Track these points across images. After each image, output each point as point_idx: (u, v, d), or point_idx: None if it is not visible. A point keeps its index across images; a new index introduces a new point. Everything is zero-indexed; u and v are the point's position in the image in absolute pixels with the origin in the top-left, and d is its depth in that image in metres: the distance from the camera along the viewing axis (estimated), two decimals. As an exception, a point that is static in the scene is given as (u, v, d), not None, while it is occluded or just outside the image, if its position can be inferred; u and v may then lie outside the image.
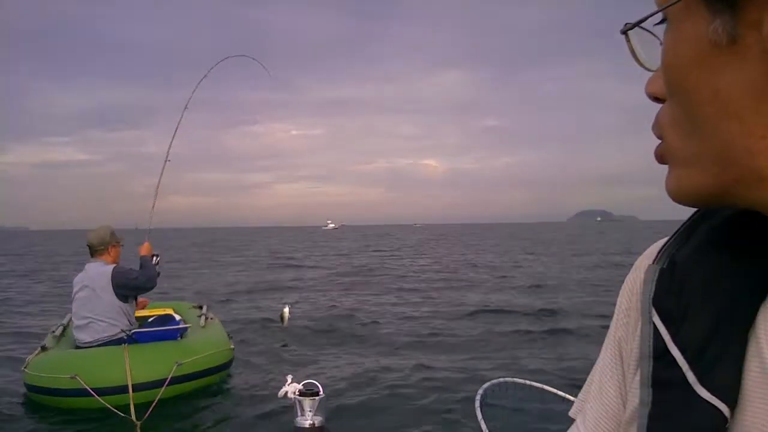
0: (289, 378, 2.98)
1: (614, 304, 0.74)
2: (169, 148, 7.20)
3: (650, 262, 0.70)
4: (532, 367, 6.94)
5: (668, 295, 0.64)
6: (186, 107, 7.30)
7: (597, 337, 7.93)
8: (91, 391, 5.21)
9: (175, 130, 7.27)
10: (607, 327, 0.73)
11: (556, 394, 3.55)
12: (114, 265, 5.97)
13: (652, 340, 0.64)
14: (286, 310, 6.54)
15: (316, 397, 2.93)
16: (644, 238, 36.65)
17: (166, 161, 7.14)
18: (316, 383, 2.95)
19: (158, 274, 6.24)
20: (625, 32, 0.60)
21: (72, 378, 5.28)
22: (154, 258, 6.26)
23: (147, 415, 5.03)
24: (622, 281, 0.73)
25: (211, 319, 7.25)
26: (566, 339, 8.70)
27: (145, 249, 6.26)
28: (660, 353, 0.62)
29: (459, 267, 23.13)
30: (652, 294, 0.66)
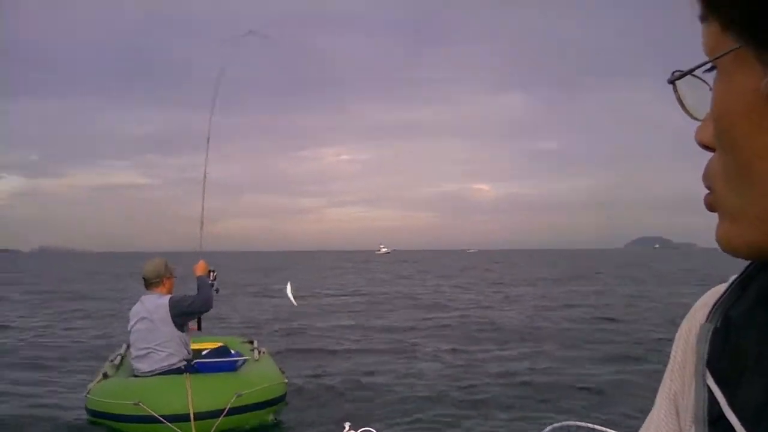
0: (347, 425, 2.98)
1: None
2: (205, 167, 7.31)
3: (705, 313, 0.68)
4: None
5: (722, 356, 0.61)
6: (212, 111, 7.40)
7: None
8: (159, 417, 5.36)
9: (208, 141, 7.32)
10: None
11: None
12: (169, 296, 6.10)
13: (707, 404, 0.62)
14: (289, 288, 6.56)
15: (374, 446, 2.92)
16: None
17: (204, 178, 7.30)
18: (373, 431, 2.94)
19: (217, 291, 6.35)
20: (672, 82, 0.58)
21: (136, 404, 5.44)
22: (211, 274, 6.34)
23: (215, 425, 5.23)
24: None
25: (263, 352, 7.34)
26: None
27: (200, 268, 6.32)
28: (716, 418, 0.60)
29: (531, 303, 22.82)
30: (705, 355, 0.63)
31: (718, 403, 0.59)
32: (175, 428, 5.38)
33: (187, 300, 6.07)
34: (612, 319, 15.00)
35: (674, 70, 0.63)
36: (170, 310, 5.92)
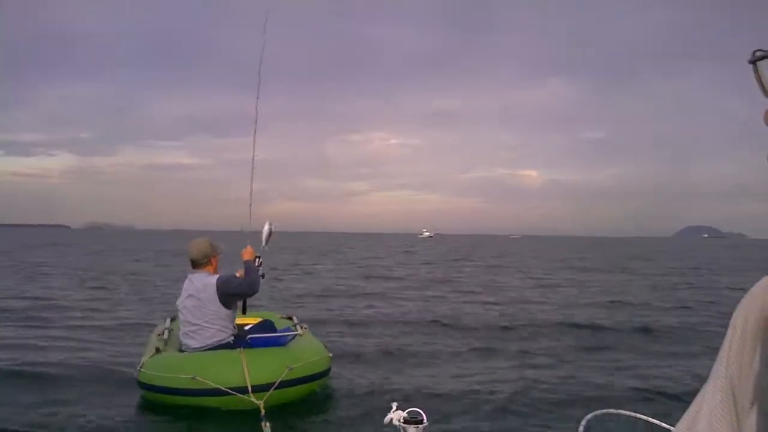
0: (394, 405, 3.01)
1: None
2: (253, 153, 7.39)
3: (759, 302, 0.70)
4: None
5: None
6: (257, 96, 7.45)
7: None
8: (220, 388, 5.57)
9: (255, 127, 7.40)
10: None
11: (665, 428, 3.42)
12: (217, 276, 6.24)
13: None
14: (266, 227, 6.62)
15: (421, 425, 2.95)
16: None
17: (252, 166, 7.41)
18: (420, 411, 2.97)
19: (263, 276, 6.46)
20: (754, 62, 0.57)
21: (192, 378, 5.63)
22: (257, 260, 6.45)
23: (264, 399, 5.41)
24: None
25: (305, 328, 7.49)
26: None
27: (248, 253, 6.45)
28: None
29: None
30: None
31: None
32: (227, 401, 5.59)
33: (234, 281, 6.20)
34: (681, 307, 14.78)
35: (756, 49, 0.62)
36: (217, 290, 6.07)
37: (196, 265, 6.34)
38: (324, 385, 6.64)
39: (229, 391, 5.57)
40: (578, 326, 11.58)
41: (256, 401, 5.38)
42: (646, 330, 11.27)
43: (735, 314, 0.75)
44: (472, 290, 19.11)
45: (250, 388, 5.53)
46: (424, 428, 2.92)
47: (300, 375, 5.97)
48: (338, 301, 15.71)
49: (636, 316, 13.01)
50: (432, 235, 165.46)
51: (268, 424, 4.66)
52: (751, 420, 0.64)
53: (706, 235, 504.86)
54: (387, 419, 2.95)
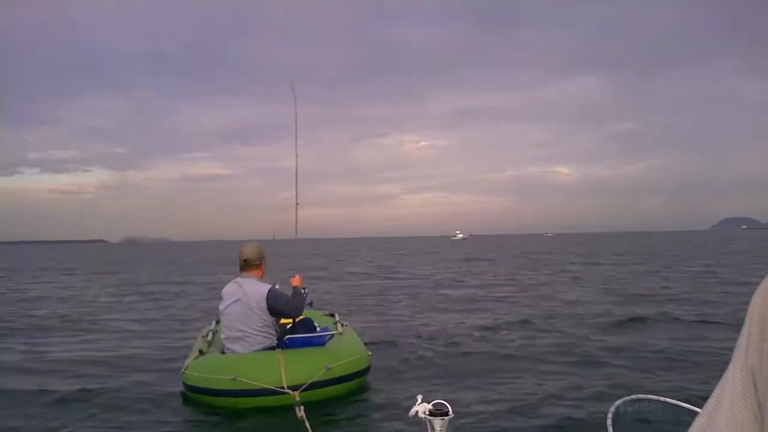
0: (419, 398, 3.06)
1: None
2: (296, 191, 7.75)
3: None
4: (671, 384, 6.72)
5: None
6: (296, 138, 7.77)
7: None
8: (256, 389, 5.71)
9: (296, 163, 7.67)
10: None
11: (694, 412, 3.43)
12: (270, 286, 6.39)
13: None
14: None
15: (446, 417, 2.99)
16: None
17: (296, 204, 7.81)
18: (446, 403, 3.01)
19: (311, 304, 6.83)
20: None
21: (233, 379, 5.78)
22: (304, 290, 6.66)
23: (301, 389, 5.55)
24: None
25: (346, 326, 7.56)
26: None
27: (297, 281, 6.70)
28: None
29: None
30: None
31: None
32: (267, 401, 5.73)
33: (283, 299, 6.36)
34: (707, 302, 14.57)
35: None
36: (267, 301, 6.22)
37: (247, 265, 6.48)
38: (364, 383, 6.73)
39: (264, 393, 5.70)
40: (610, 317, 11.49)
41: (291, 392, 5.50)
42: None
43: (752, 301, 0.76)
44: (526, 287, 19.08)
45: (287, 389, 5.63)
46: (450, 420, 2.96)
47: (338, 374, 6.08)
48: (372, 299, 15.83)
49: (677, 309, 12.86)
50: (465, 236, 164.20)
51: (303, 414, 4.69)
52: None
53: (744, 227, 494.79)
54: (412, 412, 2.99)
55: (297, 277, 6.76)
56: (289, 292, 6.55)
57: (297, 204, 7.86)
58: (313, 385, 5.77)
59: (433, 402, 3.08)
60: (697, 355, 8.36)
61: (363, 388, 6.73)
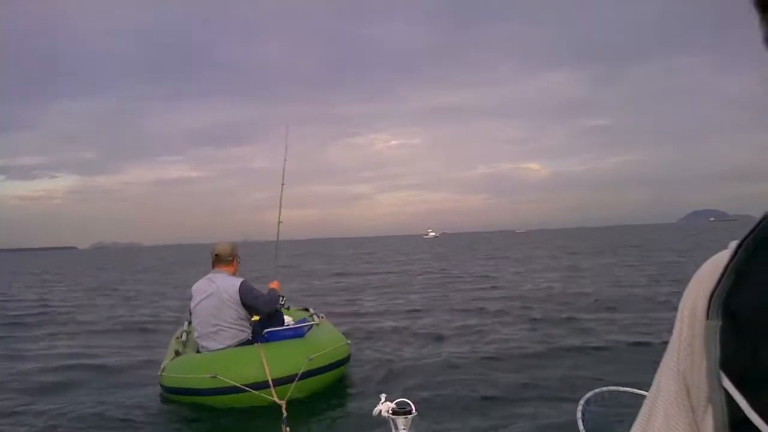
0: (383, 396, 3.06)
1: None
2: (281, 195, 7.81)
3: (707, 288, 0.65)
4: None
5: (739, 356, 0.59)
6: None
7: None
8: (239, 386, 5.61)
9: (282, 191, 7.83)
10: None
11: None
12: (242, 279, 6.34)
13: (726, 408, 0.59)
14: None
15: (409, 416, 3.01)
16: None
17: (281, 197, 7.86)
18: (409, 402, 3.02)
19: (283, 305, 6.77)
20: None
21: (213, 377, 5.67)
22: (281, 299, 6.69)
23: (286, 397, 5.40)
24: None
25: (322, 317, 7.55)
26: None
27: (275, 284, 6.72)
28: (739, 421, 0.58)
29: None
30: (718, 357, 0.61)
31: (737, 406, 0.57)
32: (250, 397, 5.59)
33: (255, 293, 6.32)
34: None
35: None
36: (239, 292, 6.18)
37: (219, 261, 6.44)
38: (344, 372, 6.72)
39: (248, 388, 5.61)
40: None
41: (278, 400, 5.36)
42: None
43: (682, 301, 0.72)
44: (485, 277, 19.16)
45: (271, 383, 5.56)
46: (413, 419, 2.97)
47: (320, 364, 6.04)
48: (342, 297, 15.81)
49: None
50: (438, 235, 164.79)
51: (288, 429, 4.61)
52: (708, 416, 0.63)
53: (712, 219, 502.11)
54: (376, 410, 2.99)
55: (275, 281, 6.79)
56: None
57: (279, 222, 7.97)
58: (296, 377, 5.70)
59: (396, 401, 3.09)
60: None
61: (342, 381, 6.72)
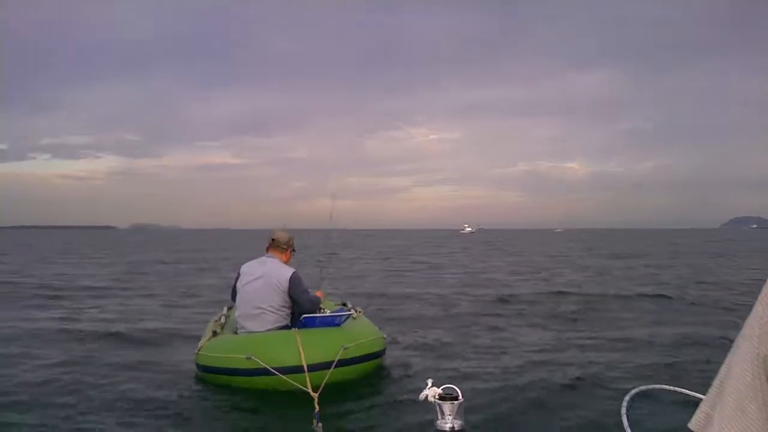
0: (429, 382, 3.10)
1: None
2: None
3: None
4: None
5: None
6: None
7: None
8: (271, 369, 5.63)
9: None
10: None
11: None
12: (294, 270, 6.44)
13: None
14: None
15: (456, 402, 3.03)
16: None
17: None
18: (455, 388, 3.05)
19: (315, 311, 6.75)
20: None
21: (248, 358, 5.72)
22: (321, 306, 6.84)
23: (320, 390, 5.34)
24: None
25: (359, 311, 7.62)
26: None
27: (320, 294, 6.96)
28: None
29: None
30: None
31: None
32: (288, 379, 5.59)
33: (303, 286, 6.44)
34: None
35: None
36: (289, 281, 6.30)
37: (274, 246, 6.61)
38: (378, 366, 6.70)
39: (281, 371, 5.63)
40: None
41: (311, 392, 5.31)
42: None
43: (764, 290, 0.74)
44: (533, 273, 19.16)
45: (305, 368, 5.57)
46: (459, 404, 3.00)
47: (355, 355, 6.02)
48: (381, 289, 15.89)
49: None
50: (474, 230, 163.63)
51: (320, 424, 4.58)
52: None
53: (755, 226, 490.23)
54: (422, 396, 3.03)
55: (320, 291, 7.03)
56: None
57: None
58: (329, 365, 5.71)
59: (443, 386, 3.13)
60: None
61: (378, 371, 6.70)
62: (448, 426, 2.82)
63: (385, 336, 6.93)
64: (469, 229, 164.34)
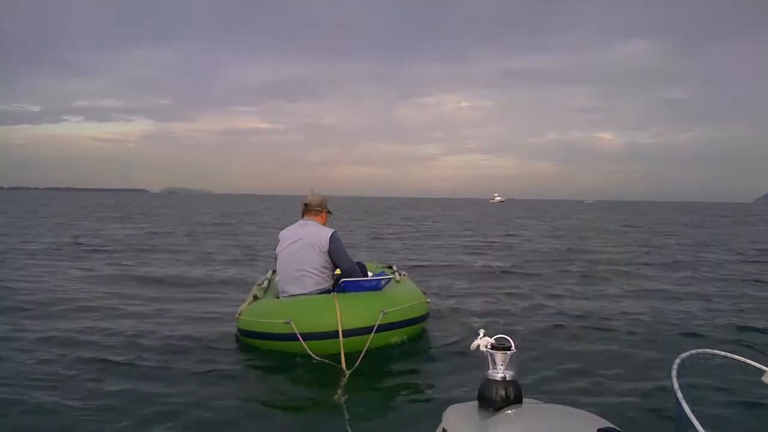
0: (482, 332, 3.03)
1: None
2: None
3: None
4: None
5: None
6: None
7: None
8: (308, 334, 5.58)
9: None
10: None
11: (757, 368, 3.37)
12: (334, 230, 6.37)
13: None
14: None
15: (508, 352, 2.97)
16: None
17: None
18: (508, 338, 2.98)
19: (360, 263, 6.73)
20: None
21: (286, 323, 5.67)
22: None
23: (357, 364, 5.29)
24: None
25: (404, 275, 7.52)
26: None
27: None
28: None
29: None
30: None
31: None
32: (321, 345, 5.56)
33: (343, 247, 6.38)
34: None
35: None
36: (330, 242, 6.23)
37: (308, 210, 6.53)
38: (420, 330, 6.59)
39: (318, 336, 5.60)
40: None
41: (343, 361, 5.31)
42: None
43: None
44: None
45: (341, 333, 5.53)
46: (512, 355, 2.94)
47: (395, 319, 5.92)
48: (417, 254, 15.97)
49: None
50: (503, 200, 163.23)
51: (345, 396, 4.58)
52: None
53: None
54: (474, 345, 2.96)
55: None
56: None
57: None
58: (369, 330, 5.64)
59: (496, 336, 3.06)
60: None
61: (419, 336, 6.57)
62: (499, 375, 2.75)
63: (428, 300, 6.81)
64: (499, 198, 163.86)
